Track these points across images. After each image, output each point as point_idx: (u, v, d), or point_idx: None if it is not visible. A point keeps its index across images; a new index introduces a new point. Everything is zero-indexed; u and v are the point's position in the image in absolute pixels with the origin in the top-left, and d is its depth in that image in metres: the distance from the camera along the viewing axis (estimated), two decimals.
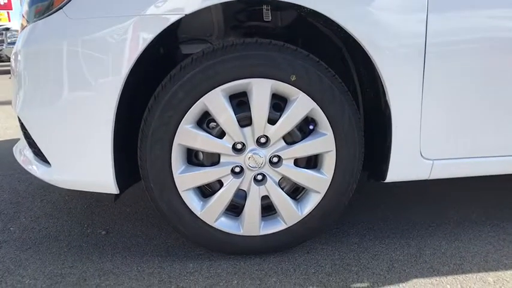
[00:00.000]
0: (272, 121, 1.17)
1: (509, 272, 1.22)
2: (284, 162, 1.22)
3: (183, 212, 1.22)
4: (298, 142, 1.21)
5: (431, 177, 1.29)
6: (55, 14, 1.12)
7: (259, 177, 1.23)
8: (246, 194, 1.24)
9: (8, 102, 4.38)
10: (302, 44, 1.53)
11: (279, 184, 1.24)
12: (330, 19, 1.10)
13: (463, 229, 1.50)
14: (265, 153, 1.20)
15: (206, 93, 1.11)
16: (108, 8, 1.08)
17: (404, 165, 1.26)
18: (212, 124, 1.20)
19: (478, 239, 1.42)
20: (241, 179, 1.22)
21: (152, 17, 1.07)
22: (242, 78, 1.12)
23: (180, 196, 1.20)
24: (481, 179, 1.96)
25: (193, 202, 1.22)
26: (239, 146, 1.19)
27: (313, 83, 1.14)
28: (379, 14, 1.11)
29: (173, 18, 1.07)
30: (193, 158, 1.24)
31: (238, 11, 1.46)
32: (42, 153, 1.22)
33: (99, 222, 1.57)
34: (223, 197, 1.22)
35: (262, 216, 1.27)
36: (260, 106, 1.14)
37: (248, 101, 1.15)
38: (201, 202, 1.24)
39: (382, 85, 1.17)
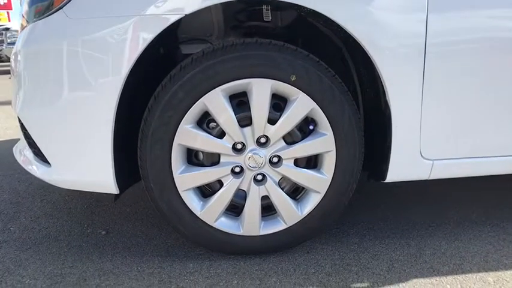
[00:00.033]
0: (272, 121, 1.17)
1: (509, 272, 1.22)
2: (284, 162, 1.22)
3: (183, 212, 1.22)
4: (298, 142, 1.21)
5: (432, 178, 1.29)
6: (55, 14, 1.12)
7: (259, 177, 1.23)
8: (246, 194, 1.24)
9: (8, 102, 4.38)
10: (302, 44, 1.53)
11: (279, 184, 1.24)
12: (330, 19, 1.10)
13: (463, 229, 1.50)
14: (265, 153, 1.20)
15: (206, 93, 1.11)
16: (108, 8, 1.08)
17: (404, 165, 1.26)
18: (212, 124, 1.20)
19: (478, 239, 1.42)
20: (241, 179, 1.22)
21: (152, 17, 1.07)
22: (242, 78, 1.12)
23: (180, 196, 1.20)
24: (481, 179, 1.96)
25: (193, 202, 1.22)
26: (239, 146, 1.19)
27: (313, 83, 1.14)
28: (379, 14, 1.11)
29: (173, 18, 1.07)
30: (193, 158, 1.24)
31: (238, 11, 1.46)
32: (42, 153, 1.22)
33: (99, 222, 1.57)
34: (223, 197, 1.22)
35: (262, 216, 1.27)
36: (260, 106, 1.14)
37: (248, 101, 1.15)
38: (201, 202, 1.24)
39: (382, 85, 1.17)
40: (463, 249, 1.36)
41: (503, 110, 1.25)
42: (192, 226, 1.24)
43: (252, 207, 1.24)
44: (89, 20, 1.09)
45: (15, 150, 1.48)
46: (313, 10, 1.09)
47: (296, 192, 1.30)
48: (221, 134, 1.18)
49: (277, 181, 1.24)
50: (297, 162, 1.24)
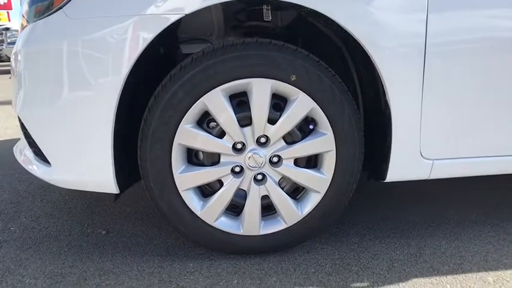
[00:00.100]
0: (272, 121, 1.17)
1: (509, 272, 1.22)
2: (284, 162, 1.22)
3: (183, 212, 1.22)
4: (298, 142, 1.21)
5: (431, 177, 1.29)
6: (55, 13, 1.12)
7: (259, 177, 1.23)
8: (246, 194, 1.24)
9: (8, 102, 4.38)
10: (302, 44, 1.53)
11: (279, 184, 1.25)
12: (330, 19, 1.10)
13: (463, 229, 1.50)
14: (265, 153, 1.20)
15: (206, 93, 1.11)
16: (108, 8, 1.08)
17: (404, 165, 1.26)
18: (212, 124, 1.20)
19: (478, 238, 1.42)
20: (241, 178, 1.22)
21: (152, 16, 1.07)
22: (242, 78, 1.12)
23: (180, 196, 1.20)
24: (481, 179, 1.96)
25: (193, 202, 1.22)
26: (239, 146, 1.19)
27: (313, 83, 1.14)
28: (379, 14, 1.11)
29: (173, 18, 1.07)
30: (193, 157, 1.24)
31: (238, 10, 1.46)
32: (42, 153, 1.22)
33: (100, 221, 1.57)
34: (223, 197, 1.22)
35: (262, 216, 1.27)
36: (260, 106, 1.14)
37: (248, 100, 1.16)
38: (201, 202, 1.24)
39: (382, 85, 1.17)
40: (463, 248, 1.36)
41: (503, 110, 1.25)
42: (192, 226, 1.24)
43: (252, 207, 1.24)
44: (89, 20, 1.09)
45: (16, 149, 1.48)
46: (313, 10, 1.10)
47: (296, 192, 1.30)
48: (221, 134, 1.19)
49: (277, 181, 1.24)
50: (297, 162, 1.24)
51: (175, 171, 1.18)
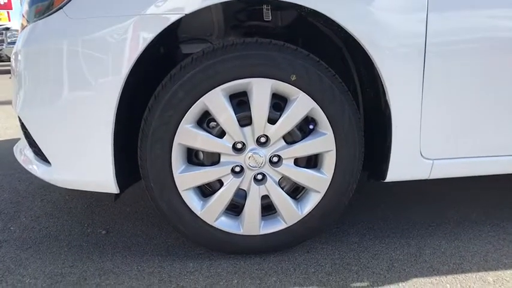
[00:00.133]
0: (272, 121, 1.17)
1: (508, 272, 1.22)
2: (284, 161, 1.22)
3: (183, 212, 1.22)
4: (298, 142, 1.21)
5: (431, 177, 1.29)
6: (55, 13, 1.12)
7: (259, 176, 1.23)
8: (246, 194, 1.24)
9: (8, 102, 4.38)
10: (302, 44, 1.53)
11: (279, 184, 1.25)
12: (330, 19, 1.10)
13: (462, 229, 1.50)
14: (265, 152, 1.20)
15: (206, 93, 1.12)
16: (108, 8, 1.08)
17: (404, 165, 1.26)
18: (212, 124, 1.20)
19: (478, 238, 1.43)
20: (241, 178, 1.22)
21: (152, 16, 1.08)
22: (242, 78, 1.12)
23: (180, 195, 1.20)
24: (481, 179, 1.96)
25: (193, 201, 1.22)
26: (239, 146, 1.19)
27: (313, 83, 1.14)
28: (379, 14, 1.12)
29: (173, 18, 1.08)
30: (193, 157, 1.24)
31: (238, 10, 1.47)
32: (42, 152, 1.22)
33: (100, 221, 1.57)
34: (223, 197, 1.22)
35: (262, 216, 1.27)
36: (260, 106, 1.14)
37: (248, 100, 1.16)
38: (201, 201, 1.24)
39: (382, 85, 1.17)
40: (463, 248, 1.36)
41: (503, 109, 1.25)
42: (192, 225, 1.24)
43: (252, 207, 1.24)
44: (89, 20, 1.09)
45: (16, 149, 1.48)
46: (313, 10, 1.10)
47: (296, 191, 1.30)
48: (221, 134, 1.19)
49: (277, 181, 1.24)
50: (297, 162, 1.24)
51: (175, 171, 1.18)
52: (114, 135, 1.14)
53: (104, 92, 1.11)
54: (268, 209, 1.28)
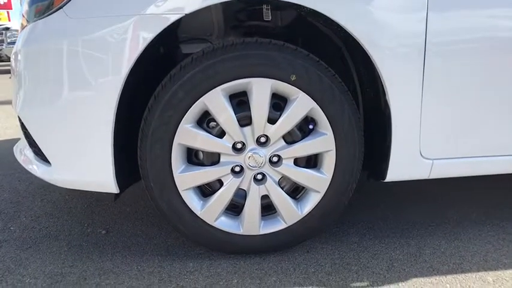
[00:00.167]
0: (272, 121, 1.17)
1: (508, 272, 1.22)
2: (284, 161, 1.22)
3: (183, 212, 1.22)
4: (298, 142, 1.21)
5: (431, 177, 1.29)
6: (55, 13, 1.12)
7: (259, 176, 1.23)
8: (246, 194, 1.24)
9: (8, 102, 4.38)
10: (302, 44, 1.53)
11: (279, 183, 1.25)
12: (330, 19, 1.10)
13: (462, 229, 1.50)
14: (265, 152, 1.20)
15: (206, 93, 1.12)
16: (108, 8, 1.08)
17: (404, 164, 1.26)
18: (212, 123, 1.20)
19: (478, 238, 1.43)
20: (241, 178, 1.22)
21: (152, 16, 1.08)
22: (242, 78, 1.12)
23: (180, 195, 1.21)
24: (481, 179, 1.96)
25: (193, 201, 1.22)
26: (239, 146, 1.19)
27: (313, 83, 1.14)
28: (379, 14, 1.11)
29: (173, 18, 1.08)
30: (193, 157, 1.24)
31: (238, 10, 1.47)
32: (42, 152, 1.22)
33: (99, 221, 1.57)
34: (223, 197, 1.22)
35: (262, 216, 1.27)
36: (260, 106, 1.14)
37: (248, 100, 1.16)
38: (201, 201, 1.24)
39: (382, 85, 1.17)
40: (463, 248, 1.36)
41: (503, 109, 1.25)
42: (192, 225, 1.24)
43: (252, 207, 1.24)
44: (89, 20, 1.09)
45: (16, 149, 1.48)
46: (313, 10, 1.10)
47: (296, 191, 1.30)
48: (221, 134, 1.19)
49: (277, 180, 1.24)
50: (297, 162, 1.24)
51: (175, 171, 1.18)
52: (114, 135, 1.14)
53: (104, 92, 1.11)
54: (268, 208, 1.28)
